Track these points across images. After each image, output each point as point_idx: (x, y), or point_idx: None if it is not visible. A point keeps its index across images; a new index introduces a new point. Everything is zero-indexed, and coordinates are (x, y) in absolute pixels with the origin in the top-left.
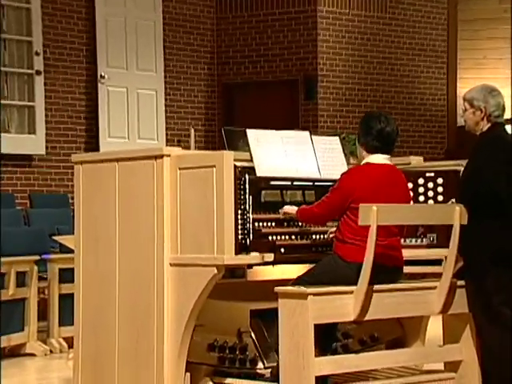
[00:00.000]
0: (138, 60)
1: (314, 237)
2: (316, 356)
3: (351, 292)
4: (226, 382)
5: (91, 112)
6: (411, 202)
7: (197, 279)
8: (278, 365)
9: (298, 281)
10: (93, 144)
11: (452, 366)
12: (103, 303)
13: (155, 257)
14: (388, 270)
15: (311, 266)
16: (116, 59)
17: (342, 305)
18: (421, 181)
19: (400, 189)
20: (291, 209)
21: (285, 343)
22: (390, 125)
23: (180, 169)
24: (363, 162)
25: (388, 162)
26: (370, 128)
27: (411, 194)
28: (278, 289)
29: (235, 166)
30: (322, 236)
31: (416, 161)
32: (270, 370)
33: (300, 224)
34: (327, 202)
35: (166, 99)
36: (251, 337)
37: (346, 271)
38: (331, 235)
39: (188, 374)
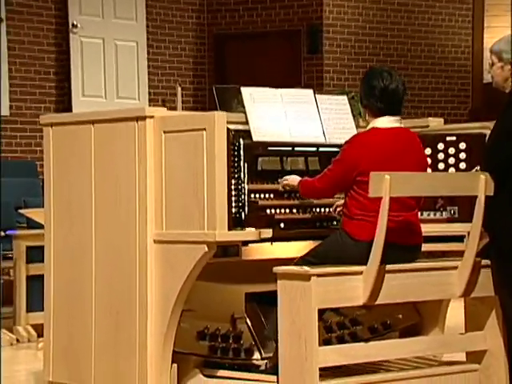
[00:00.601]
0: (115, 6)
1: (318, 210)
2: (320, 345)
3: (360, 273)
4: (217, 374)
5: (62, 67)
6: (429, 171)
7: (184, 258)
8: (276, 355)
9: (301, 261)
10: (64, 104)
11: (475, 357)
12: (77, 286)
13: (137, 233)
14: (403, 249)
15: (315, 243)
16: (90, 5)
17: (350, 287)
18: (440, 146)
19: (415, 155)
20: (292, 179)
21: (285, 331)
22: (395, 81)
23: (165, 132)
24: (369, 126)
25: (398, 125)
26: (371, 88)
27: (429, 161)
28: (276, 269)
29: (228, 130)
30: (327, 209)
31: (435, 123)
32: (267, 361)
33: None
34: (329, 175)
35: (148, 52)
36: (247, 323)
37: (354, 251)
38: (338, 209)
39: (175, 366)
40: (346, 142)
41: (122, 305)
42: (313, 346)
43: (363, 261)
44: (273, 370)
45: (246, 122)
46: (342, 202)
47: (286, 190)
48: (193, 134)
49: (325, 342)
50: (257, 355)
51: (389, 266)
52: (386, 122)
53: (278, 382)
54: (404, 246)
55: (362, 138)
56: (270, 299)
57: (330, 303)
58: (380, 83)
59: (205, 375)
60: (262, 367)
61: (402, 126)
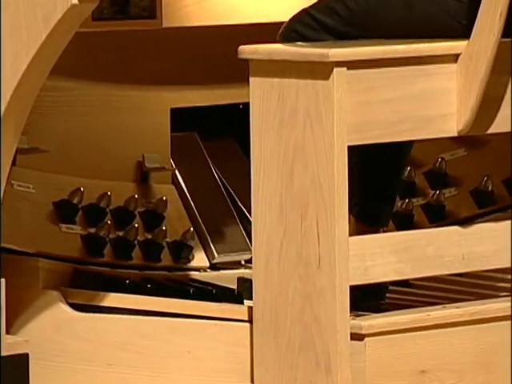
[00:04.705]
0: None
1: None
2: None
3: (455, 57)
4: (102, 302)
5: None
6: None
7: (29, 16)
8: (250, 258)
9: (299, 22)
10: None
11: None
12: None
13: None
14: None
15: None
16: None
17: (426, 90)
18: None
19: None
20: None
21: (266, 201)
22: None
23: None
24: None
25: None
26: None
27: None
28: (245, 49)
29: None
30: None
31: None
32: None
33: None
34: None
35: None
36: (175, 183)
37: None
38: None
39: (1, 282)
40: None
41: None
42: (335, 237)
43: (452, 17)
44: (238, 293)
45: None
46: None
47: None
48: None
49: None
50: (200, 258)
51: None
52: None
53: (251, 319)
54: None
55: None
56: (234, 125)
57: (379, 136)
58: None
59: (72, 305)
60: (217, 292)
61: None
